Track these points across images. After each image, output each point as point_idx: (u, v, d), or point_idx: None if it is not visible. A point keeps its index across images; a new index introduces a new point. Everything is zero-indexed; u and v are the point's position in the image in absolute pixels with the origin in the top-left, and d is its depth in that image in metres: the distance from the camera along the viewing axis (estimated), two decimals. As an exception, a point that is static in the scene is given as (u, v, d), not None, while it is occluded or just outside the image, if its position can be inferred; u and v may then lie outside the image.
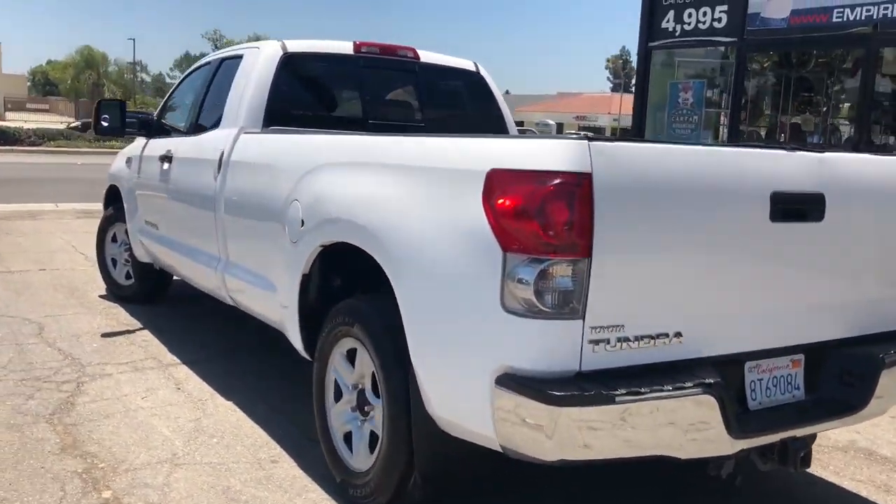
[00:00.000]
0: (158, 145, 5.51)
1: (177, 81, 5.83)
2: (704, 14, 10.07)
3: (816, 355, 2.81)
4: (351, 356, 3.19)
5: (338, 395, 3.31)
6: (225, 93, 4.80)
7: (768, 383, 2.68)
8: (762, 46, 9.91)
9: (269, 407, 4.26)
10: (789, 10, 9.16)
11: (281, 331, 3.97)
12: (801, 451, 2.62)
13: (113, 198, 6.46)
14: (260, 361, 5.03)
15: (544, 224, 2.22)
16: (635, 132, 11.28)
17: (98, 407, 4.16)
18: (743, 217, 2.52)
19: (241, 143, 4.26)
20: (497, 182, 2.35)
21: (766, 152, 2.66)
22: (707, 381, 2.36)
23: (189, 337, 5.55)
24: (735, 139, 9.92)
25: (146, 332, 5.64)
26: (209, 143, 4.60)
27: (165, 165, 5.16)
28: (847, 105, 11.50)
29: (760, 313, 2.64)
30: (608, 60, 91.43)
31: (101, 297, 6.57)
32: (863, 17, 8.50)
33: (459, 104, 5.24)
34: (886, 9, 8.30)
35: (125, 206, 6.01)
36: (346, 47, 4.72)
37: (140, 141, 5.96)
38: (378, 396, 2.99)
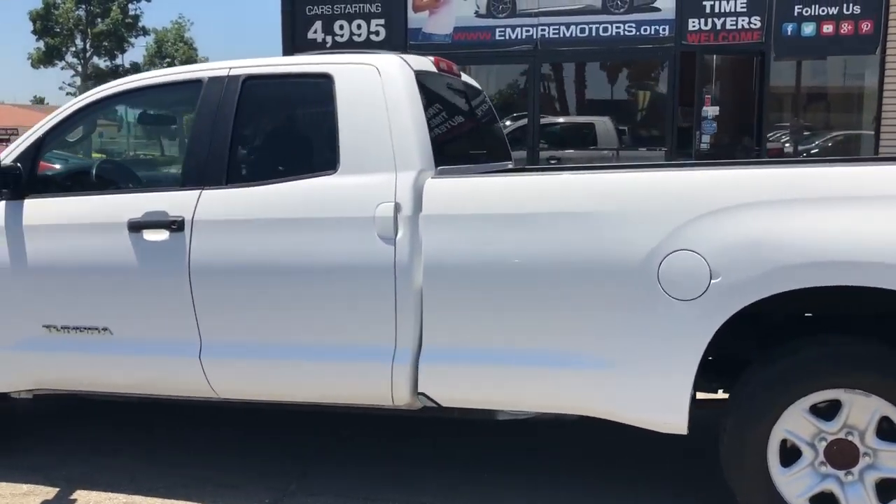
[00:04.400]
0: (95, 207, 3.61)
1: (63, 108, 3.76)
2: (359, 27, 10.19)
3: None
4: (820, 409, 2.89)
5: (785, 459, 2.95)
6: (303, 126, 3.57)
7: None
8: (428, 60, 10.46)
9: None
10: (452, 28, 9.95)
11: (574, 414, 3.21)
12: None
13: None
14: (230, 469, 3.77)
15: None
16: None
17: None
18: None
19: (440, 190, 3.20)
20: None
21: None
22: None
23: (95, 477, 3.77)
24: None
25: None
26: (334, 195, 3.30)
27: (159, 236, 3.44)
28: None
29: None
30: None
31: None
32: (523, 37, 9.78)
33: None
34: (543, 30, 9.72)
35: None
36: (429, 64, 3.82)
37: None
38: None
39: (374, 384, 3.31)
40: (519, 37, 9.77)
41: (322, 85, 3.45)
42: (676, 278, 2.91)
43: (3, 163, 3.67)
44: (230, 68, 3.61)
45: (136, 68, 47.58)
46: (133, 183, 4.02)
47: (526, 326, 3.12)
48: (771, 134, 9.60)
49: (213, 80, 3.60)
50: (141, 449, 4.11)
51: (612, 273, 2.98)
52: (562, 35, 9.63)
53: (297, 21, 10.37)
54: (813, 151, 10.15)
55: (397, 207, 3.21)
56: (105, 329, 3.58)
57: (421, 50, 10.06)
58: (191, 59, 47.55)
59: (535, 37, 9.71)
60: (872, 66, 8.99)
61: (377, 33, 10.17)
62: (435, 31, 10.00)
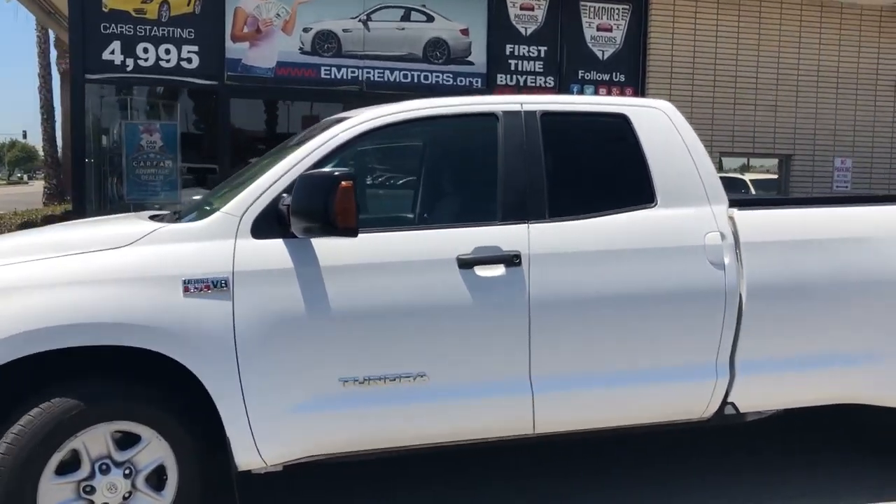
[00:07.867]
0: (413, 244, 3.34)
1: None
2: (168, 52, 9.26)
3: None
4: None
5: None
6: (606, 161, 3.76)
7: None
8: (248, 92, 9.77)
9: None
10: (275, 61, 9.59)
11: (844, 403, 3.90)
12: None
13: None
14: None
15: None
16: (78, 179, 9.27)
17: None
18: None
19: (752, 220, 3.73)
20: None
21: None
22: None
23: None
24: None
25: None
26: (663, 226, 3.57)
27: (493, 272, 3.34)
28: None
29: None
30: None
31: None
32: (349, 77, 9.84)
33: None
34: (369, 73, 9.90)
35: (244, 374, 3.10)
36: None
37: (248, 249, 3.19)
38: None
39: (695, 399, 3.65)
40: (345, 77, 9.86)
41: (619, 125, 3.71)
42: None
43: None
44: (521, 103, 3.64)
45: None
46: (426, 216, 3.71)
47: (824, 333, 3.76)
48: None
49: (508, 113, 3.59)
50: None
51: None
52: (386, 79, 9.98)
53: (88, 39, 9.08)
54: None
55: (722, 236, 3.62)
56: (421, 375, 3.32)
57: (240, 81, 9.61)
58: None
59: (360, 78, 9.91)
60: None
61: (189, 60, 9.39)
62: (256, 64, 9.58)
